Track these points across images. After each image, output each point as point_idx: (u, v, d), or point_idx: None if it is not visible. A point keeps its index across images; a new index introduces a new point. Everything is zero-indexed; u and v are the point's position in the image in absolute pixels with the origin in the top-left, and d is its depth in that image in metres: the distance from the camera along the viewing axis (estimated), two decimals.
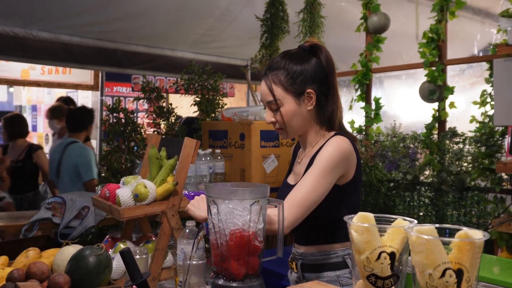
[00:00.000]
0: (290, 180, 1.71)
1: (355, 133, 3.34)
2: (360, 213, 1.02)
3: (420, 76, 3.14)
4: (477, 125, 2.81)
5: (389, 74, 4.39)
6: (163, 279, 1.82)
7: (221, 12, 4.22)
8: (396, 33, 3.63)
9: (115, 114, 3.45)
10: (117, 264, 1.65)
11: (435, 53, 3.05)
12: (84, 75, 6.17)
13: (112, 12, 3.89)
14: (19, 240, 2.75)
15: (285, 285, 1.92)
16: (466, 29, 4.37)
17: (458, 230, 0.88)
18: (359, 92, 3.43)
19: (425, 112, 3.12)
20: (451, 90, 2.98)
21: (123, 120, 3.42)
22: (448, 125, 3.02)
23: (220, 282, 1.20)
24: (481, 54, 4.31)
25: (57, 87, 6.66)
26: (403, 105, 4.24)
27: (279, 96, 1.58)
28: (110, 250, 1.84)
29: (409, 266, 0.96)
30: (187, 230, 1.66)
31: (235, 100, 8.24)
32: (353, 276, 1.06)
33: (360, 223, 0.99)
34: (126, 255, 1.21)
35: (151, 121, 3.57)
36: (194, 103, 3.59)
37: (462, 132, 2.88)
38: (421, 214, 2.98)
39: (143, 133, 3.48)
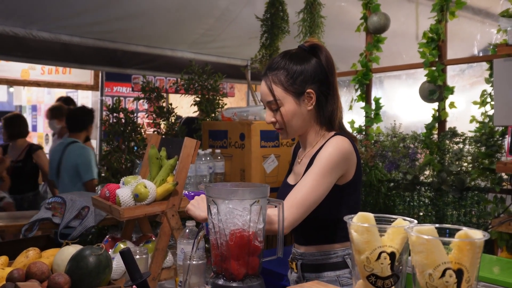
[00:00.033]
0: (290, 180, 1.71)
1: (355, 133, 3.34)
2: (360, 213, 1.02)
3: (420, 76, 3.14)
4: (477, 125, 2.81)
5: (389, 74, 4.39)
6: (163, 279, 1.82)
7: (221, 12, 4.22)
8: (396, 33, 3.63)
9: (115, 114, 3.45)
10: (117, 264, 1.65)
11: (435, 53, 3.05)
12: (84, 75, 6.17)
13: (112, 12, 3.89)
14: (19, 240, 2.75)
15: (285, 285, 1.92)
16: (466, 29, 4.37)
17: (458, 230, 0.88)
18: (359, 92, 3.43)
19: (425, 112, 3.12)
20: (451, 90, 2.98)
21: (123, 120, 3.42)
22: (448, 125, 3.02)
23: (220, 282, 1.20)
24: (481, 54, 4.31)
25: (57, 87, 6.66)
26: (403, 105, 4.24)
27: (279, 96, 1.58)
28: (110, 250, 1.84)
29: (409, 266, 0.96)
30: (187, 230, 1.66)
31: (235, 100, 8.24)
32: (353, 276, 1.06)
33: (360, 223, 0.99)
34: (126, 255, 1.21)
35: (151, 121, 3.57)
36: (194, 103, 3.59)
37: (462, 132, 2.88)
38: (421, 214, 2.98)
39: (143, 133, 3.48)
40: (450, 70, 3.22)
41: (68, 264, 1.45)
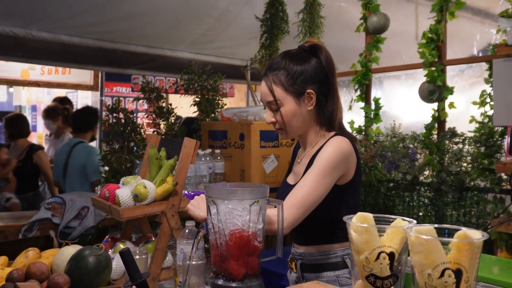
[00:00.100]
0: (290, 180, 1.71)
1: (354, 133, 3.34)
2: (359, 213, 1.02)
3: (420, 76, 3.15)
4: (477, 125, 2.82)
5: (389, 74, 4.40)
6: (163, 279, 1.82)
7: (220, 12, 4.23)
8: (396, 33, 3.63)
9: (114, 114, 3.45)
10: (117, 264, 1.65)
11: (434, 54, 3.05)
12: (84, 75, 6.17)
13: (112, 12, 3.89)
14: (19, 240, 2.75)
15: (284, 285, 1.92)
16: (466, 29, 4.37)
17: (457, 230, 0.88)
18: (358, 92, 3.43)
19: (424, 112, 3.12)
20: (450, 90, 2.98)
21: (122, 120, 3.42)
22: (448, 125, 3.02)
23: (220, 282, 1.20)
24: (480, 55, 4.32)
25: (56, 87, 6.66)
26: (402, 105, 4.24)
27: (279, 96, 1.58)
28: (110, 250, 1.84)
29: (408, 266, 0.96)
30: (187, 230, 1.66)
31: (235, 100, 8.24)
32: (352, 276, 1.06)
33: (359, 223, 0.99)
34: (126, 255, 1.21)
35: (151, 121, 3.57)
36: (193, 103, 3.59)
37: (461, 132, 2.88)
38: (421, 214, 2.98)
39: (142, 133, 3.48)
40: (450, 70, 3.22)
41: (68, 264, 1.45)
